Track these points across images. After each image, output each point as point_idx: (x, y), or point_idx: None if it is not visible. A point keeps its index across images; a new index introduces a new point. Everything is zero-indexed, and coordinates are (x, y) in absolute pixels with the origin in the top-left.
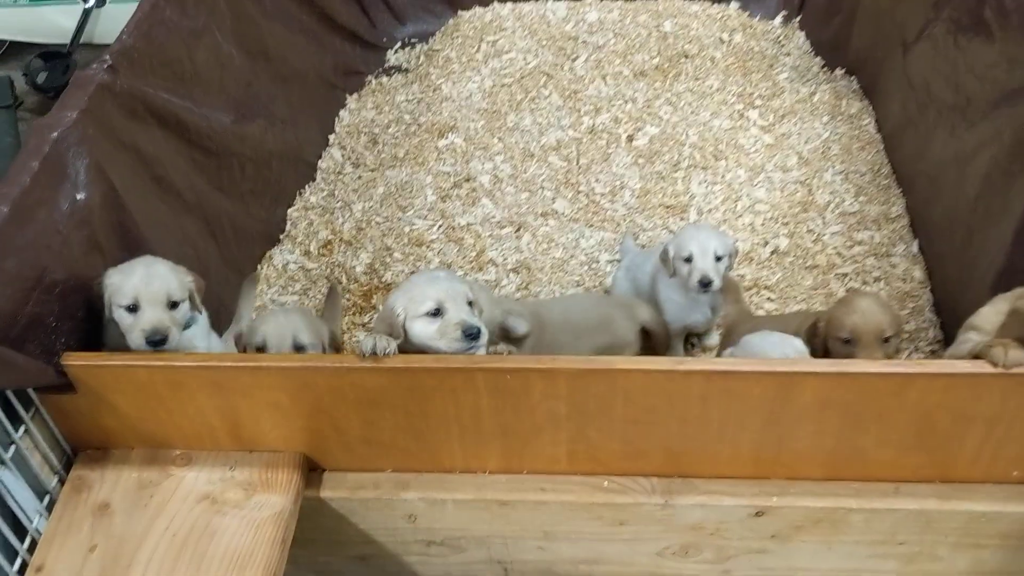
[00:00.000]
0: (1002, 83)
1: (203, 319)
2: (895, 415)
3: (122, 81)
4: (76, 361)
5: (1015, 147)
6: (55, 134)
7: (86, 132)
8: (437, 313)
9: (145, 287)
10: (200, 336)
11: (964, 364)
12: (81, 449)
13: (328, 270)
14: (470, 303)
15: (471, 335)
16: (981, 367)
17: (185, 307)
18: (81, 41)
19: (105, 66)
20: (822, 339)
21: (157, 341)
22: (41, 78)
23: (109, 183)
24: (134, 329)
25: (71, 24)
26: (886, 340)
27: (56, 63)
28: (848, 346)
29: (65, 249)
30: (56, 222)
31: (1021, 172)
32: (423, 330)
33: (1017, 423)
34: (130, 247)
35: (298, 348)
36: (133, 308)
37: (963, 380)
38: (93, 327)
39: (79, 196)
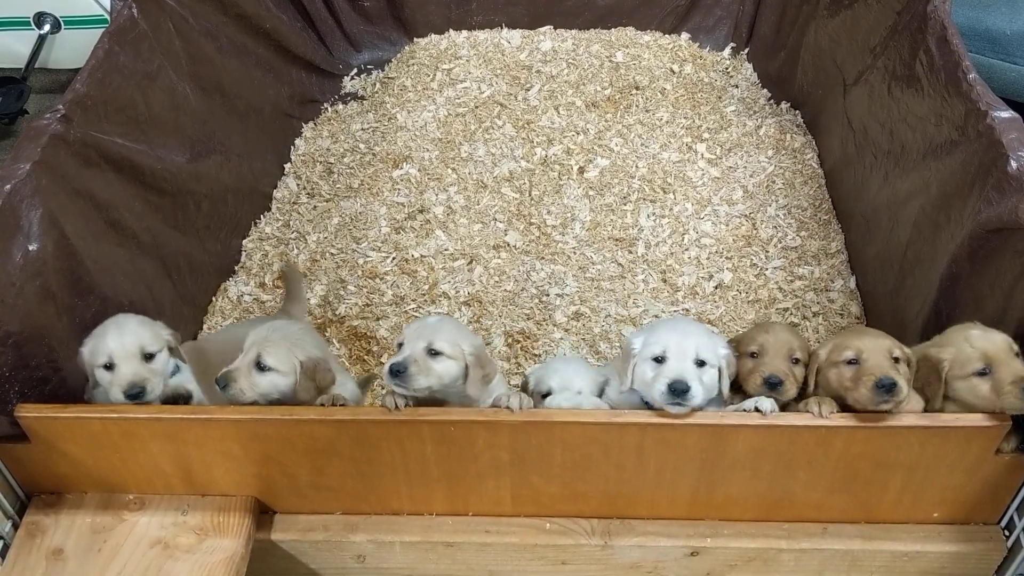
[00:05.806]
0: (931, 136)
1: (187, 368)
2: (822, 463)
3: (76, 130)
4: (30, 412)
5: (941, 200)
6: (8, 187)
7: (39, 183)
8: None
9: (118, 344)
10: (191, 380)
11: (883, 418)
12: (35, 494)
13: (282, 302)
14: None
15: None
16: (899, 420)
17: (163, 357)
18: (36, 66)
19: (58, 116)
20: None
21: (135, 395)
22: None
23: (61, 232)
24: (113, 386)
25: (25, 50)
26: (795, 361)
27: (10, 88)
28: (754, 359)
29: (19, 300)
30: (9, 274)
31: (947, 224)
32: None
33: (935, 469)
34: (83, 294)
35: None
36: (110, 366)
37: (881, 432)
38: (46, 375)
39: (31, 247)
